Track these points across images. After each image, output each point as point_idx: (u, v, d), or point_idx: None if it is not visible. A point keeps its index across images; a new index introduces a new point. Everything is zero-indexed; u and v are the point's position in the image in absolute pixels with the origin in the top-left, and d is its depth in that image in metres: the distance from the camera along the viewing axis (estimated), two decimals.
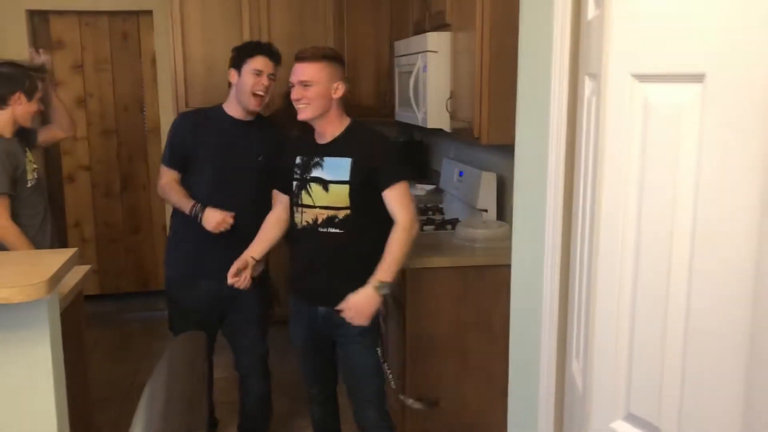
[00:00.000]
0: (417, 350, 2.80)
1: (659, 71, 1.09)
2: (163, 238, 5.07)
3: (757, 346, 0.94)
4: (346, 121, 2.40)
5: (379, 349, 2.36)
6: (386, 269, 2.24)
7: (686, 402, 1.07)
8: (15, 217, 2.68)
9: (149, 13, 4.85)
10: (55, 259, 1.98)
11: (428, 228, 3.29)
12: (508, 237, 2.98)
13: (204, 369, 1.06)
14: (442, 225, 3.33)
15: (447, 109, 3.10)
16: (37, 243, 2.71)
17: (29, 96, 2.73)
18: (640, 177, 1.13)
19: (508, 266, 2.07)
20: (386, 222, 2.30)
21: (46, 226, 2.85)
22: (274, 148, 2.70)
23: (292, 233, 2.45)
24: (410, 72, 3.36)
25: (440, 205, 3.81)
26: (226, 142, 2.74)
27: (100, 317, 4.83)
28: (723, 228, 0.97)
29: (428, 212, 3.67)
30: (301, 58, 2.32)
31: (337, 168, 2.31)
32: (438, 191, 4.14)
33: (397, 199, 2.26)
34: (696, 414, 1.05)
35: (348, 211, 2.29)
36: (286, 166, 2.45)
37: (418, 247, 2.92)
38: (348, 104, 4.48)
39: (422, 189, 4.25)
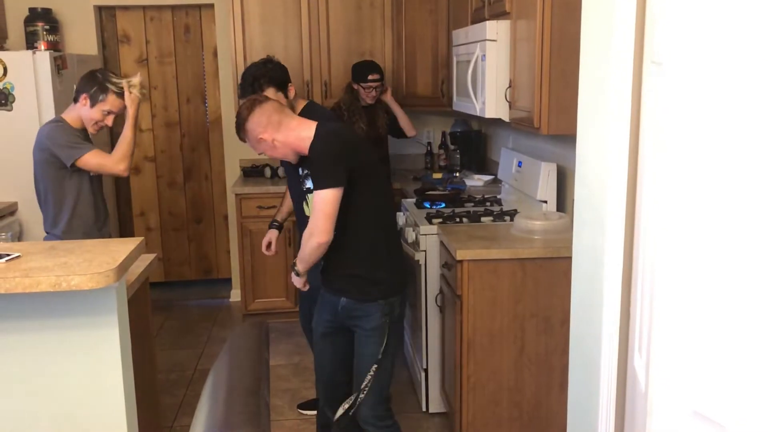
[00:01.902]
0: (474, 342, 2.78)
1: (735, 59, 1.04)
2: (224, 228, 5.19)
3: None
4: (310, 128, 2.35)
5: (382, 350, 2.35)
6: (299, 263, 2.41)
7: (756, 401, 1.03)
8: (75, 206, 2.87)
9: (211, 6, 4.95)
10: (123, 247, 2.05)
11: (486, 219, 3.26)
12: (569, 229, 2.92)
13: (266, 356, 1.08)
14: (500, 216, 3.29)
15: (506, 98, 3.06)
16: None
17: (92, 101, 2.83)
18: (713, 167, 1.09)
19: (568, 258, 2.03)
20: (368, 209, 2.33)
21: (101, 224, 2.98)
22: None
23: None
24: (468, 61, 3.32)
25: (498, 196, 3.77)
26: None
27: (164, 304, 4.99)
28: None
29: (486, 203, 3.63)
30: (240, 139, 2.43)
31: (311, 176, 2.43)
32: (496, 182, 4.10)
33: (313, 205, 2.27)
34: (765, 412, 1.01)
35: None
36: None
37: (475, 237, 2.91)
38: (406, 94, 4.54)
39: (480, 180, 4.22)
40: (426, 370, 3.25)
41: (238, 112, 2.41)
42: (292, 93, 2.90)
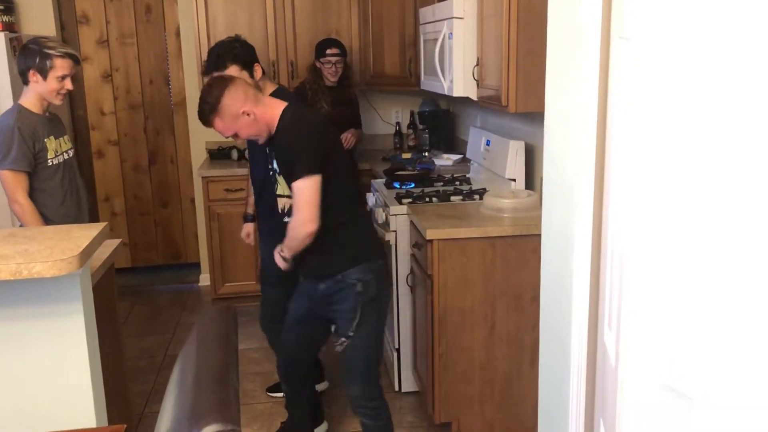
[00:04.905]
0: (445, 321, 2.79)
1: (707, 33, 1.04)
2: (191, 212, 5.12)
3: None
4: (280, 106, 2.32)
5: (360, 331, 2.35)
6: (285, 250, 2.36)
7: (726, 372, 1.04)
8: (32, 192, 2.72)
9: None
10: (86, 233, 2.00)
11: (455, 198, 3.26)
12: (537, 206, 2.94)
13: (235, 343, 1.06)
14: (469, 195, 3.30)
15: (474, 76, 3.04)
16: (55, 223, 2.73)
17: (43, 74, 2.68)
18: (682, 143, 1.09)
19: (538, 236, 2.04)
20: (340, 193, 2.31)
21: (68, 208, 2.85)
22: None
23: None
24: (436, 39, 3.30)
25: (467, 175, 3.77)
26: None
27: (131, 290, 4.92)
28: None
29: (455, 182, 3.63)
30: (206, 123, 2.32)
31: (277, 158, 2.38)
32: (465, 161, 4.10)
33: (294, 196, 2.23)
34: (736, 384, 1.03)
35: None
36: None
37: (445, 217, 2.90)
38: (373, 74, 4.50)
39: (449, 159, 4.21)
40: (398, 350, 3.26)
41: (204, 94, 2.29)
42: (258, 73, 2.83)
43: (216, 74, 2.53)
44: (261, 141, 2.37)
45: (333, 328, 2.49)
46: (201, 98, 2.30)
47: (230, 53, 2.76)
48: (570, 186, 1.67)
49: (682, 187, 1.09)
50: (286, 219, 2.41)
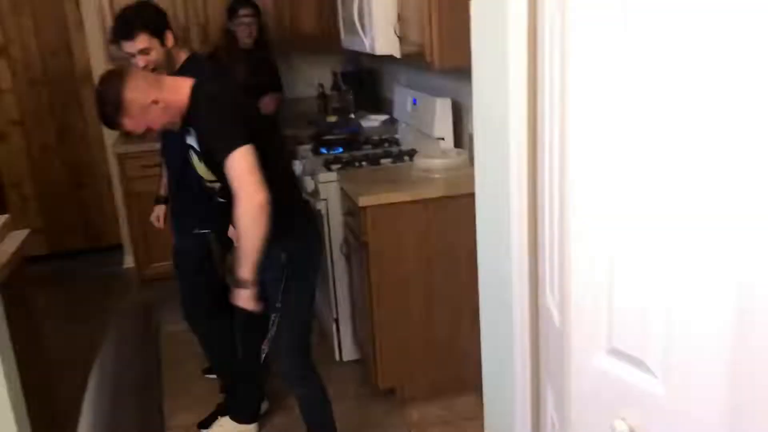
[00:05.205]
0: (382, 288, 2.73)
1: None
2: (109, 191, 4.84)
3: (749, 274, 0.88)
4: (186, 85, 2.11)
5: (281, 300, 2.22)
6: (243, 267, 2.01)
7: (673, 334, 1.01)
8: None
9: None
10: None
11: (386, 161, 3.17)
12: (468, 165, 2.89)
13: (155, 348, 0.94)
14: (399, 157, 3.22)
15: (396, 33, 2.93)
16: None
17: None
18: (619, 95, 1.03)
19: (470, 195, 1.97)
20: (274, 173, 2.09)
21: None
22: None
23: None
24: None
25: (396, 136, 3.68)
26: None
27: (50, 279, 4.65)
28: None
29: (384, 144, 3.54)
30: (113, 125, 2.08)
31: (194, 138, 2.16)
32: (392, 121, 4.01)
33: (231, 172, 1.97)
34: (683, 345, 0.99)
35: (220, 183, 2.15)
36: None
37: (376, 182, 2.82)
38: (291, 34, 4.30)
39: (375, 120, 4.11)
40: (336, 320, 3.19)
41: (101, 95, 2.01)
42: (170, 41, 2.61)
43: (106, 71, 2.26)
44: (177, 127, 2.15)
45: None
46: (99, 100, 2.02)
47: (139, 20, 2.54)
48: (502, 144, 1.61)
49: (626, 133, 1.03)
50: (216, 200, 2.24)
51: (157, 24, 2.58)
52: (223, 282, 2.82)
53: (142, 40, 2.51)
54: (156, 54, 2.53)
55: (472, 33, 1.75)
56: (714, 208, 0.91)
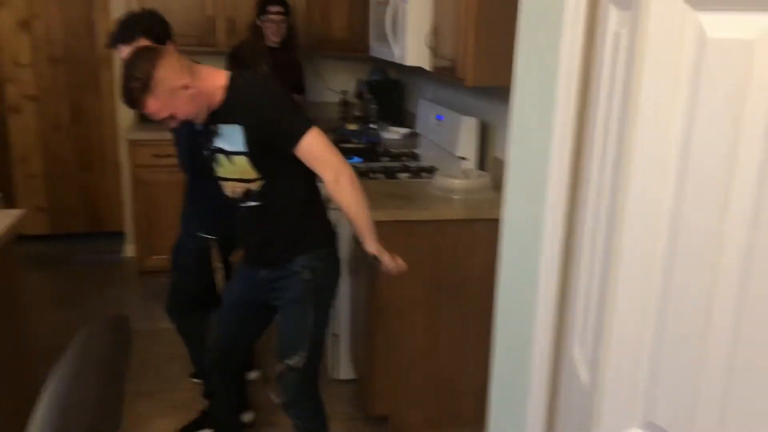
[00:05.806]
0: (387, 308, 2.59)
1: None
2: (116, 176, 4.73)
3: None
4: (222, 75, 2.00)
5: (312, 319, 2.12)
6: (367, 243, 2.07)
7: (726, 413, 0.86)
8: None
9: None
10: None
11: (403, 175, 3.04)
12: (490, 188, 2.75)
13: (124, 366, 0.81)
14: (417, 173, 3.08)
15: (427, 45, 2.80)
16: None
17: None
18: (688, 131, 0.89)
19: (488, 221, 1.83)
20: (311, 173, 2.04)
21: None
22: None
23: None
24: (387, 3, 3.04)
25: (416, 150, 3.55)
26: None
27: (48, 259, 4.53)
28: None
29: (402, 158, 3.41)
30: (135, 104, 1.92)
31: (232, 137, 1.98)
32: (414, 135, 3.88)
33: (310, 155, 1.96)
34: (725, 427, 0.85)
35: (262, 181, 2.02)
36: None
37: (390, 196, 2.68)
38: (319, 37, 4.19)
39: (397, 132, 3.99)
40: (336, 336, 3.04)
41: (130, 69, 1.87)
42: None
43: (141, 46, 2.15)
44: (201, 119, 2.02)
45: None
46: (126, 75, 1.88)
47: (141, 25, 2.43)
48: (539, 173, 1.47)
49: (694, 185, 0.89)
50: (243, 204, 2.09)
51: (158, 32, 2.46)
52: (212, 284, 2.69)
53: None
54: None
55: (516, 50, 1.61)
56: None
